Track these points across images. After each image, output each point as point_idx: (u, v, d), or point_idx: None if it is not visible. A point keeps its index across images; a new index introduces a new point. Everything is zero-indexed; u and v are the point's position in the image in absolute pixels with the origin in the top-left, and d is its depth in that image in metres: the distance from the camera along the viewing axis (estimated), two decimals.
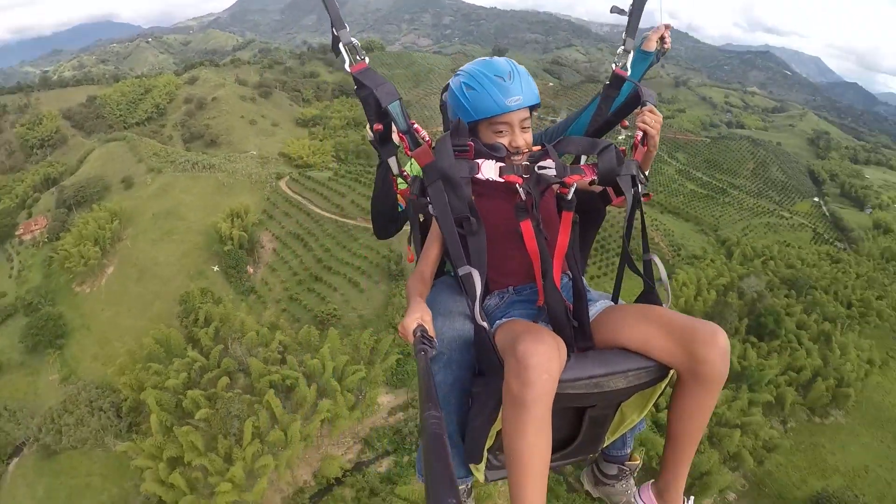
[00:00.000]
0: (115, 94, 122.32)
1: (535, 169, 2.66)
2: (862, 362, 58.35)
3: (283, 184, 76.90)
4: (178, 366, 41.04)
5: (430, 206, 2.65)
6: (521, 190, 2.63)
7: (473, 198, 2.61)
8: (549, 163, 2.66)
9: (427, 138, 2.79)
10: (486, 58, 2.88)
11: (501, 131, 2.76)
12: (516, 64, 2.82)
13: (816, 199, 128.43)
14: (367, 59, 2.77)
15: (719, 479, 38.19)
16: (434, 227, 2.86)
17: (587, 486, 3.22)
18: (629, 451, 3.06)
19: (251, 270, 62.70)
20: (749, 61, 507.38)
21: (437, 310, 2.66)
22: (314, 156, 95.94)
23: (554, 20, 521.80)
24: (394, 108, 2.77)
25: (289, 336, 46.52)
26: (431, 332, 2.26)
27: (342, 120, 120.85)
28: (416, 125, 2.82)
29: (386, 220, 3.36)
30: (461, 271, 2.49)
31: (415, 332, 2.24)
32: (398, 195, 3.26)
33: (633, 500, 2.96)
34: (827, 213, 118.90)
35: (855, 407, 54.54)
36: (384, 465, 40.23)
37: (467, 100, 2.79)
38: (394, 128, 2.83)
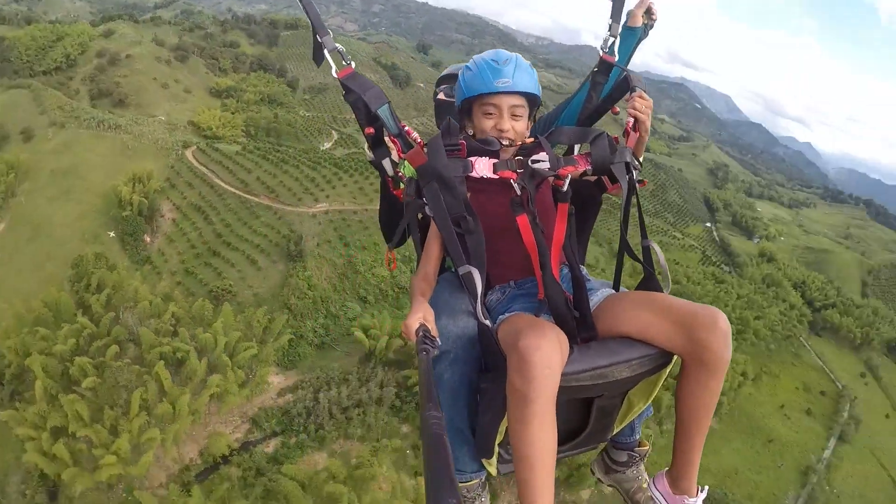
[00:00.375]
0: (26, 38, 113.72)
1: (529, 163, 2.68)
2: (736, 374, 62.87)
3: (189, 153, 74.89)
4: (66, 332, 39.81)
5: (426, 208, 2.75)
6: (515, 185, 2.68)
7: (469, 195, 2.68)
8: (542, 156, 2.69)
9: (419, 140, 2.87)
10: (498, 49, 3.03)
11: (491, 113, 2.87)
12: (521, 57, 2.92)
13: (709, 224, 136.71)
14: (353, 64, 2.87)
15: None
16: (433, 226, 2.90)
17: (598, 475, 3.30)
18: (638, 437, 3.11)
19: (148, 239, 61.24)
20: (664, 90, 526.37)
21: (441, 308, 2.69)
22: (224, 128, 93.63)
23: (482, 24, 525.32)
24: (383, 112, 2.86)
25: (182, 309, 45.80)
26: (434, 332, 2.32)
27: (256, 95, 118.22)
28: (407, 127, 2.91)
29: (396, 226, 3.25)
30: (461, 270, 2.56)
31: (417, 331, 2.28)
32: (398, 197, 3.22)
33: (645, 486, 3.08)
34: (717, 238, 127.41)
35: (728, 415, 59.31)
36: (271, 446, 40.25)
37: (464, 80, 2.94)
38: (385, 131, 2.94)
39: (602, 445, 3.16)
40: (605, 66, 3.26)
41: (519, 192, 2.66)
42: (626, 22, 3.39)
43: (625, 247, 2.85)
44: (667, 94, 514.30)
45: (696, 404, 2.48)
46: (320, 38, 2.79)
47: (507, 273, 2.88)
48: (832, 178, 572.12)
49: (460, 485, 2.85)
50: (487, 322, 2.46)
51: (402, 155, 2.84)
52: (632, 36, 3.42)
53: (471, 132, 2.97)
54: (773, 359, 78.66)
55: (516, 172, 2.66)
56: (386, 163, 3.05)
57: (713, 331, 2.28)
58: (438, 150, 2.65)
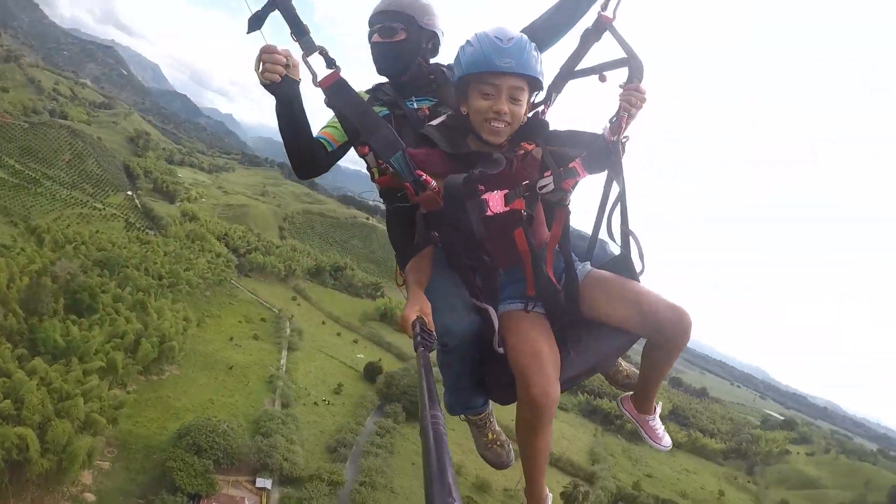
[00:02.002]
0: None
1: (537, 190, 2.68)
2: (179, 321, 70.16)
3: None
4: None
5: (439, 245, 2.81)
6: (523, 212, 2.74)
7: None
8: (546, 180, 2.66)
9: (435, 187, 2.67)
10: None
11: (488, 93, 2.68)
12: (528, 39, 2.72)
13: (130, 192, 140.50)
14: (339, 68, 2.62)
15: (80, 445, 40.43)
16: (420, 219, 2.86)
17: None
18: None
19: None
20: (90, 52, 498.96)
21: (441, 306, 2.70)
22: None
23: None
24: (396, 161, 2.65)
25: None
26: (430, 326, 2.32)
27: None
28: (424, 176, 2.66)
29: (306, 158, 3.07)
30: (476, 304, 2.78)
31: (414, 324, 2.27)
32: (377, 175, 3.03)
33: (621, 368, 3.62)
34: (139, 205, 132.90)
35: (185, 359, 66.44)
36: None
37: (464, 54, 2.73)
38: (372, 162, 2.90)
39: None
40: (599, 26, 3.01)
41: (524, 217, 2.74)
42: None
43: (602, 227, 3.03)
44: (92, 57, 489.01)
45: (661, 364, 3.01)
46: (296, 38, 2.54)
47: (497, 262, 2.84)
48: (251, 145, 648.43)
49: (474, 418, 3.41)
50: (501, 350, 2.73)
51: (415, 198, 2.72)
52: None
53: (464, 111, 2.83)
54: (212, 302, 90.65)
55: (524, 198, 2.71)
56: (369, 157, 2.92)
57: (680, 328, 2.68)
58: (458, 200, 2.61)
